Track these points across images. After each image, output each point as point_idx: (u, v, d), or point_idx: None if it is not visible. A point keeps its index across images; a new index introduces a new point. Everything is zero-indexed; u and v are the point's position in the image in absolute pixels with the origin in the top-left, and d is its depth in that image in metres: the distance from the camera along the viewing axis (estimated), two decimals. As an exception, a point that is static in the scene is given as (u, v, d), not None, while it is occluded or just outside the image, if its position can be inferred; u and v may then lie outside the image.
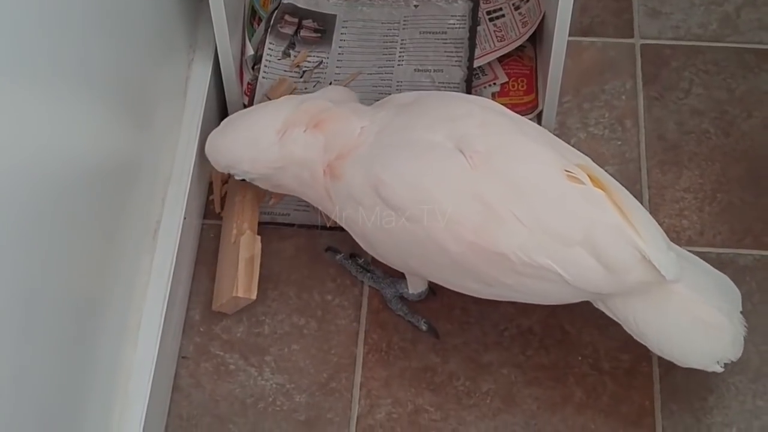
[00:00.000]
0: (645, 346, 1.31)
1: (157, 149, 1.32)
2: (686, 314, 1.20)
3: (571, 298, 1.21)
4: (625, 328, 1.23)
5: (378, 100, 1.31)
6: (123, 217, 1.21)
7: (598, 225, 1.15)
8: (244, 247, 1.33)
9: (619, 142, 1.48)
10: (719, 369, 1.22)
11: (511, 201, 1.15)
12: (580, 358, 1.32)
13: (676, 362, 1.24)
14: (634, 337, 1.23)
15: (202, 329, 1.35)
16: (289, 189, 1.28)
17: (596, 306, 1.23)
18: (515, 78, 1.50)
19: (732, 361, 1.22)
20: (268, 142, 1.23)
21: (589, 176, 1.17)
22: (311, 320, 1.36)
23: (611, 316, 1.23)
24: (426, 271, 1.26)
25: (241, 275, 1.32)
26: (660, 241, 1.18)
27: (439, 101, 1.25)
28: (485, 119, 1.20)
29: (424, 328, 1.34)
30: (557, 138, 1.25)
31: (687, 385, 1.30)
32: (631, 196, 1.20)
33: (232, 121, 1.30)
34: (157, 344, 1.23)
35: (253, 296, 1.33)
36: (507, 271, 1.17)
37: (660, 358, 1.31)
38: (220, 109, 1.49)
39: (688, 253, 1.25)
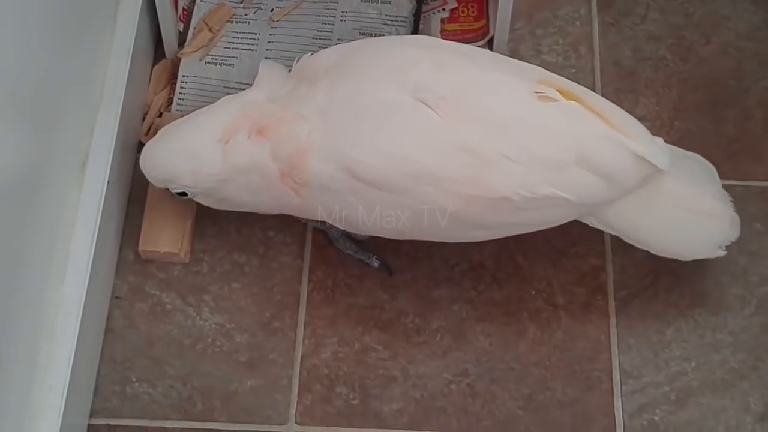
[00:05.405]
0: (600, 279, 1.29)
1: (84, 75, 1.24)
2: (680, 208, 1.20)
3: (572, 216, 1.18)
4: (624, 238, 1.21)
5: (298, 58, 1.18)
6: (48, 146, 1.14)
7: (585, 138, 1.12)
8: (189, 204, 1.28)
9: (574, 70, 1.43)
10: (722, 253, 1.21)
11: (495, 141, 1.10)
12: (533, 292, 1.29)
13: (680, 258, 1.23)
14: (636, 245, 1.21)
15: (136, 268, 1.30)
16: (236, 203, 1.20)
17: (590, 224, 1.20)
18: (465, 3, 1.45)
19: (732, 242, 1.21)
20: (210, 153, 1.15)
21: (557, 90, 1.13)
22: (252, 257, 1.31)
23: (607, 230, 1.20)
24: (424, 235, 1.19)
25: (187, 236, 1.29)
26: (644, 134, 1.16)
27: (378, 52, 1.16)
28: (435, 60, 1.13)
29: (376, 265, 1.29)
30: (509, 58, 1.20)
31: (644, 318, 1.27)
32: (602, 98, 1.17)
33: (169, 131, 1.20)
34: (86, 282, 1.17)
35: (187, 259, 1.30)
36: (511, 211, 1.12)
37: (616, 291, 1.28)
38: (153, 36, 1.41)
39: (661, 140, 1.21)
